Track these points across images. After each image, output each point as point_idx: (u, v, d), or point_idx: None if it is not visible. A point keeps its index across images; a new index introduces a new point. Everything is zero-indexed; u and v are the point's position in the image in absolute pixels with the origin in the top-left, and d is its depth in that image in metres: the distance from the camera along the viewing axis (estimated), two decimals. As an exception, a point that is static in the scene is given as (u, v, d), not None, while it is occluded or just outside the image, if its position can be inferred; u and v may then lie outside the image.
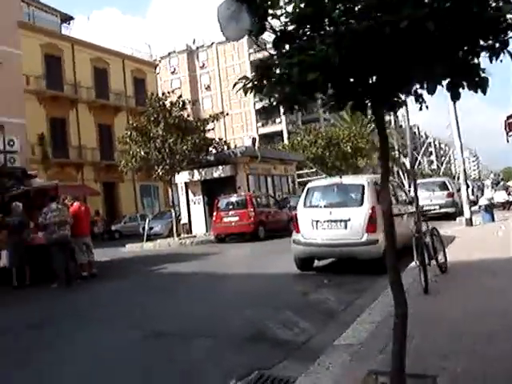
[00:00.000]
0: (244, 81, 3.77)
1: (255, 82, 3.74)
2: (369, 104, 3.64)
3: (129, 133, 23.39)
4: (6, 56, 30.97)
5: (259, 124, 73.09)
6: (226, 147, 25.53)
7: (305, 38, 3.49)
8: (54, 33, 37.75)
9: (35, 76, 34.18)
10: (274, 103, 3.80)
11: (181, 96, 24.19)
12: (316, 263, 10.93)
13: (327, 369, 4.47)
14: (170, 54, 79.14)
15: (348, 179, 11.47)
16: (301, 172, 36.68)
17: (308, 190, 11.08)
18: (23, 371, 5.61)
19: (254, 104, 71.76)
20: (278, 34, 3.55)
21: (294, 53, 3.35)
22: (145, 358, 5.65)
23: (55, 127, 35.01)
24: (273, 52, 3.74)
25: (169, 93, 23.94)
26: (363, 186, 10.20)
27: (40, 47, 35.09)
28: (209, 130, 24.83)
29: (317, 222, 10.19)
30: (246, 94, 3.82)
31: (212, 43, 77.21)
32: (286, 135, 66.72)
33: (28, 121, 31.97)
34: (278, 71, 3.61)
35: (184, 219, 25.84)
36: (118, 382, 5.11)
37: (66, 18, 43.23)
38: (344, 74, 3.37)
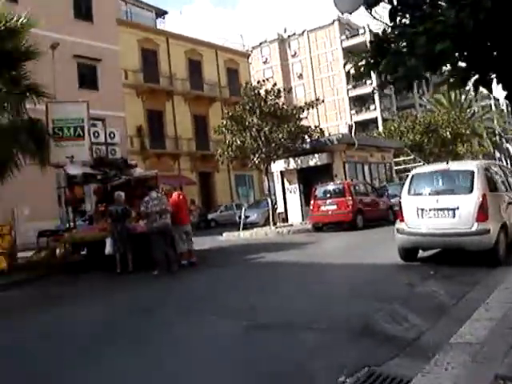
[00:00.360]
0: (355, 58, 3.37)
1: (369, 59, 3.34)
2: (495, 80, 3.12)
3: (224, 122, 23.46)
4: (105, 53, 32.16)
5: (353, 111, 71.62)
6: (321, 135, 25.05)
7: (426, 4, 3.07)
8: (150, 28, 38.74)
9: (133, 70, 35.22)
10: (391, 80, 3.38)
11: (275, 84, 23.93)
12: (420, 253, 10.31)
13: (446, 370, 4.00)
14: (261, 43, 79.19)
15: (455, 165, 10.72)
16: (397, 159, 35.49)
17: (412, 176, 10.47)
18: (126, 359, 5.56)
19: (348, 91, 70.46)
20: (396, 2, 3.14)
21: (418, 22, 2.93)
22: (248, 351, 5.43)
23: (152, 119, 35.97)
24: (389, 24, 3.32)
25: (263, 81, 23.72)
26: (473, 172, 9.46)
27: (137, 42, 36.10)
28: (304, 117, 24.42)
29: (422, 210, 9.58)
30: (358, 75, 3.41)
31: (303, 31, 76.42)
32: (380, 122, 64.96)
33: (127, 113, 33.12)
34: (396, 44, 3.21)
35: (280, 208, 25.66)
36: (220, 374, 4.89)
37: (161, 13, 44.28)
38: (477, 44, 2.90)
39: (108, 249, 12.14)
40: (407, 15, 3.28)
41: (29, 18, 13.92)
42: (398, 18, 3.33)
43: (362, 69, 3.43)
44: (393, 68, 3.30)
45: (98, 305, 8.90)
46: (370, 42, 3.54)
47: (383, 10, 3.48)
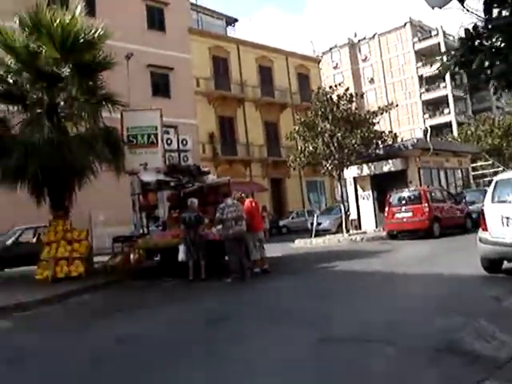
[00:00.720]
0: (442, 58, 3.06)
1: (459, 58, 3.02)
2: None
3: (296, 128, 23.26)
4: (178, 61, 32.77)
5: (426, 115, 69.69)
6: (395, 140, 24.39)
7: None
8: (221, 36, 39.19)
9: (204, 78, 35.70)
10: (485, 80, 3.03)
11: (348, 89, 23.49)
12: (505, 265, 9.66)
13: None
14: (331, 49, 78.57)
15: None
16: (474, 165, 34.10)
17: (496, 183, 9.82)
18: (200, 367, 5.42)
19: (421, 95, 68.67)
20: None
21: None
22: (321, 364, 5.16)
23: (224, 126, 36.32)
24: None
25: (336, 86, 23.39)
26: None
27: (208, 50, 36.59)
28: (376, 122, 23.85)
29: (507, 218, 8.95)
30: (446, 72, 3.09)
31: (374, 34, 75.22)
32: (455, 126, 62.86)
33: (199, 121, 33.58)
34: (491, 40, 2.87)
35: (353, 215, 25.14)
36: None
37: (231, 21, 44.73)
38: None
39: (181, 255, 12.14)
40: (506, 6, 2.94)
41: (105, 30, 14.26)
42: (495, 11, 3.00)
43: (452, 68, 3.12)
44: (488, 66, 2.97)
45: (172, 311, 8.88)
46: (460, 39, 3.22)
47: (477, 2, 3.16)
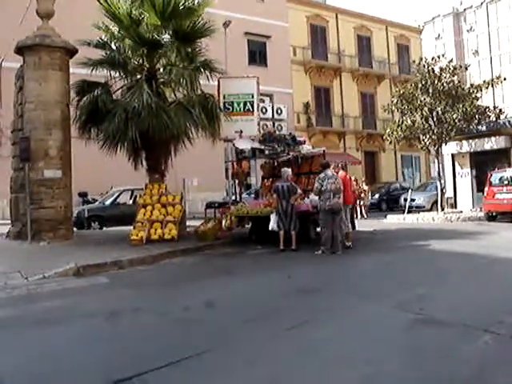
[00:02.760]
0: None
1: None
2: None
3: (395, 100, 22.45)
4: (275, 29, 32.50)
5: (535, 90, 65.26)
6: (499, 116, 22.95)
7: None
8: (319, 4, 38.36)
9: (301, 47, 35.24)
10: None
11: (451, 60, 22.29)
12: None
13: None
14: (433, 18, 74.98)
15: None
16: None
17: None
18: (289, 336, 5.36)
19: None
20: None
21: None
22: (417, 348, 4.90)
23: (319, 96, 35.85)
24: None
25: (438, 57, 22.24)
26: None
27: (306, 19, 36.00)
28: (479, 97, 22.49)
29: None
30: None
31: (481, 3, 70.85)
32: None
33: (294, 90, 33.29)
34: None
35: (449, 193, 24.11)
36: (388, 369, 4.46)
37: (331, -12, 43.68)
38: None
39: (272, 225, 12.12)
40: None
41: (206, -3, 14.32)
42: None
43: None
44: None
45: (261, 279, 8.89)
46: None
47: None
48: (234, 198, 15.98)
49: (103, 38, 14.59)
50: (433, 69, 21.57)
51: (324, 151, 14.53)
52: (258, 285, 8.40)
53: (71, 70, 14.76)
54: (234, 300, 7.30)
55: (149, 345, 5.35)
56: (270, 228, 12.19)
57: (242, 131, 14.72)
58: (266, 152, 14.30)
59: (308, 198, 13.03)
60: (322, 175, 11.45)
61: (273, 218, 12.16)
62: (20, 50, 14.40)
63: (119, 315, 6.66)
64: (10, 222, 16.03)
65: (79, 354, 5.20)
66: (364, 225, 15.30)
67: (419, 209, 24.19)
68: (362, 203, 22.81)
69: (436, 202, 22.46)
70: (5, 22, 22.78)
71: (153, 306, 7.16)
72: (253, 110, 15.52)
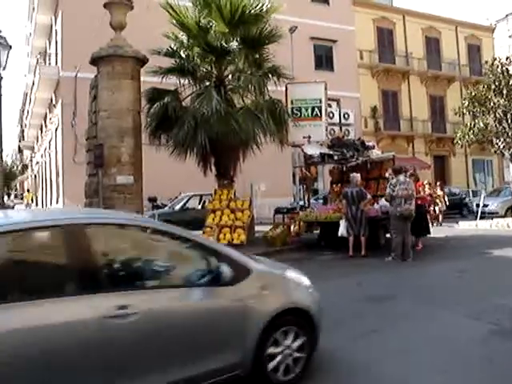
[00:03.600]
0: None
1: None
2: None
3: (466, 103, 21.74)
4: (341, 34, 32.22)
5: None
6: None
7: None
8: (386, 6, 37.68)
9: (368, 50, 34.75)
10: None
11: (528, 60, 21.36)
12: None
13: None
14: (507, 16, 72.22)
15: None
16: None
17: None
18: (366, 346, 5.25)
19: None
20: None
21: None
22: (493, 360, 4.72)
23: (387, 100, 35.21)
24: None
25: (513, 57, 21.39)
26: None
27: (372, 22, 35.48)
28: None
29: None
30: None
31: (560, -2, 67.80)
32: None
33: (361, 94, 32.87)
34: None
35: (524, 199, 23.10)
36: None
37: (399, -10, 42.88)
38: None
39: (341, 230, 11.98)
40: None
41: (272, 3, 14.35)
42: None
43: None
44: None
45: (332, 286, 8.74)
46: None
47: None
48: (301, 203, 15.92)
49: (172, 46, 14.88)
50: (507, 69, 20.76)
51: (394, 156, 14.25)
52: (329, 291, 8.22)
53: (142, 79, 15.11)
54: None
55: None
56: (339, 234, 12.06)
57: (310, 136, 14.66)
58: (335, 157, 14.16)
59: (378, 203, 12.80)
60: (393, 181, 11.20)
61: (342, 223, 12.02)
62: (95, 60, 14.86)
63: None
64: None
65: None
66: (436, 231, 14.87)
67: (492, 215, 23.25)
68: (437, 208, 21.93)
69: (510, 207, 21.55)
70: (78, 35, 23.66)
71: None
72: (321, 115, 15.44)
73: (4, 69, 11.22)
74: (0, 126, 11.66)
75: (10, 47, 11.41)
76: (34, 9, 30.71)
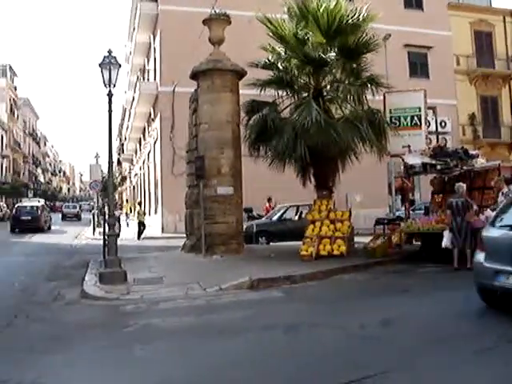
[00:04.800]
0: None
1: None
2: None
3: None
4: (436, 39, 31.36)
5: None
6: None
7: None
8: (484, 8, 36.23)
9: (465, 55, 33.60)
10: None
11: None
12: None
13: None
14: None
15: None
16: None
17: None
18: (482, 365, 5.04)
19: None
20: None
21: None
22: None
23: (486, 106, 33.85)
24: None
25: None
26: None
27: (469, 25, 34.27)
28: None
29: None
30: None
31: None
32: None
33: (458, 101, 31.80)
34: None
35: None
36: None
37: (496, -8, 41.15)
38: None
39: (445, 242, 11.61)
40: None
41: (368, 12, 14.27)
42: None
43: None
44: None
45: (436, 299, 8.52)
46: None
47: None
48: (397, 213, 15.59)
49: (270, 59, 15.11)
50: None
51: (499, 165, 13.68)
52: (435, 305, 8.06)
53: (240, 91, 15.49)
54: (411, 319, 7.09)
55: (328, 361, 5.39)
56: (443, 245, 11.70)
57: (409, 146, 14.35)
58: (438, 167, 13.76)
59: (483, 214, 12.30)
60: (505, 190, 10.77)
61: (446, 234, 11.66)
62: (195, 75, 15.43)
63: (297, 329, 6.80)
64: (182, 235, 17.15)
65: (258, 367, 5.36)
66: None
67: None
68: None
69: None
70: (176, 51, 24.61)
71: (329, 321, 7.21)
72: (420, 124, 15.09)
73: (114, 86, 11.79)
74: (110, 139, 12.26)
75: (120, 66, 12.01)
76: (134, 29, 32.24)
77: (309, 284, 10.44)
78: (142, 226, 24.43)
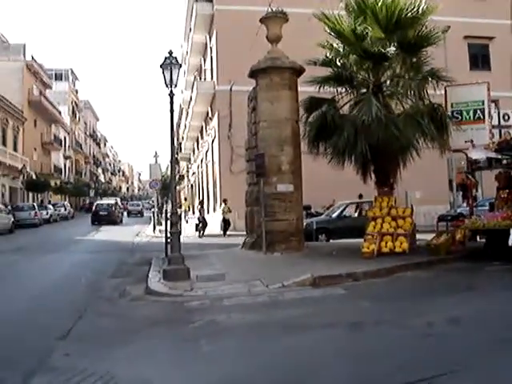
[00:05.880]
0: None
1: None
2: None
3: None
4: (498, 29, 30.34)
5: None
6: None
7: None
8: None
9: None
10: None
11: None
12: None
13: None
14: None
15: None
16: None
17: None
18: None
19: None
20: None
21: None
22: None
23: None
24: None
25: None
26: None
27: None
28: None
29: None
30: None
31: None
32: None
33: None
34: None
35: None
36: None
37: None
38: None
39: (512, 240, 11.30)
40: None
41: (428, 4, 14.00)
42: None
43: None
44: None
45: (505, 298, 8.30)
46: None
47: None
48: (459, 210, 15.25)
49: (328, 55, 15.03)
50: None
51: None
52: (505, 304, 7.87)
53: (299, 89, 15.50)
54: (479, 318, 6.92)
55: (394, 360, 5.35)
56: (509, 243, 11.37)
57: (472, 141, 14.00)
58: (504, 161, 13.37)
59: None
60: None
61: (514, 232, 11.34)
62: (253, 73, 15.54)
63: (361, 327, 6.77)
64: (241, 233, 17.34)
65: (321, 364, 5.38)
66: None
67: None
68: None
69: None
70: (232, 50, 24.86)
71: (393, 319, 7.14)
72: (483, 118, 14.68)
73: (176, 86, 12.03)
74: (172, 139, 12.53)
75: (180, 66, 12.26)
76: (190, 29, 32.70)
77: (371, 281, 10.37)
78: (227, 223, 24.39)
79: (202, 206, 27.11)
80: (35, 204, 39.87)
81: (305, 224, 16.53)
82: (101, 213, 39.51)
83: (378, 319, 7.14)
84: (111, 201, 47.25)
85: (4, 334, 7.13)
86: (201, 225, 25.17)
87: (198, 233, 24.92)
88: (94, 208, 41.63)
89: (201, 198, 23.34)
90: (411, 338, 6.16)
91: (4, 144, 42.37)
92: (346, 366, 5.26)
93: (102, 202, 46.64)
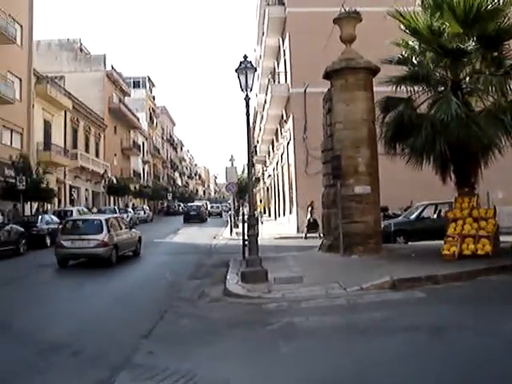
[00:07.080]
0: None
1: None
2: None
3: None
4: None
5: None
6: None
7: None
8: None
9: None
10: None
11: None
12: None
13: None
14: None
15: None
16: None
17: None
18: None
19: None
20: None
21: None
22: None
23: None
24: None
25: None
26: None
27: None
28: None
29: None
30: None
31: None
32: None
33: None
34: None
35: None
36: None
37: None
38: None
39: None
40: None
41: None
42: None
43: None
44: None
45: None
46: None
47: None
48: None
49: (404, 54, 14.74)
50: None
51: None
52: None
53: (374, 89, 15.30)
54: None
55: (479, 368, 5.20)
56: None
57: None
58: None
59: None
60: None
61: None
62: (328, 74, 15.49)
63: (443, 332, 6.62)
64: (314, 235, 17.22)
65: (401, 369, 5.32)
66: None
67: None
68: None
69: None
70: (304, 52, 24.86)
71: (477, 324, 6.94)
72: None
73: (251, 90, 12.19)
74: (249, 142, 12.70)
75: (255, 70, 12.40)
76: (263, 33, 32.96)
77: (452, 285, 10.08)
78: (315, 224, 23.79)
79: (313, 207, 26.35)
80: (116, 207, 41.94)
81: (382, 226, 16.28)
82: (191, 213, 47.91)
83: (461, 324, 6.98)
84: (198, 203, 59.72)
85: (94, 330, 7.61)
86: (310, 226, 24.28)
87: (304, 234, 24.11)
88: (185, 209, 52.32)
89: (309, 201, 22.76)
90: (498, 345, 5.97)
91: (87, 150, 44.27)
92: (425, 372, 5.18)
93: (191, 204, 57.69)
